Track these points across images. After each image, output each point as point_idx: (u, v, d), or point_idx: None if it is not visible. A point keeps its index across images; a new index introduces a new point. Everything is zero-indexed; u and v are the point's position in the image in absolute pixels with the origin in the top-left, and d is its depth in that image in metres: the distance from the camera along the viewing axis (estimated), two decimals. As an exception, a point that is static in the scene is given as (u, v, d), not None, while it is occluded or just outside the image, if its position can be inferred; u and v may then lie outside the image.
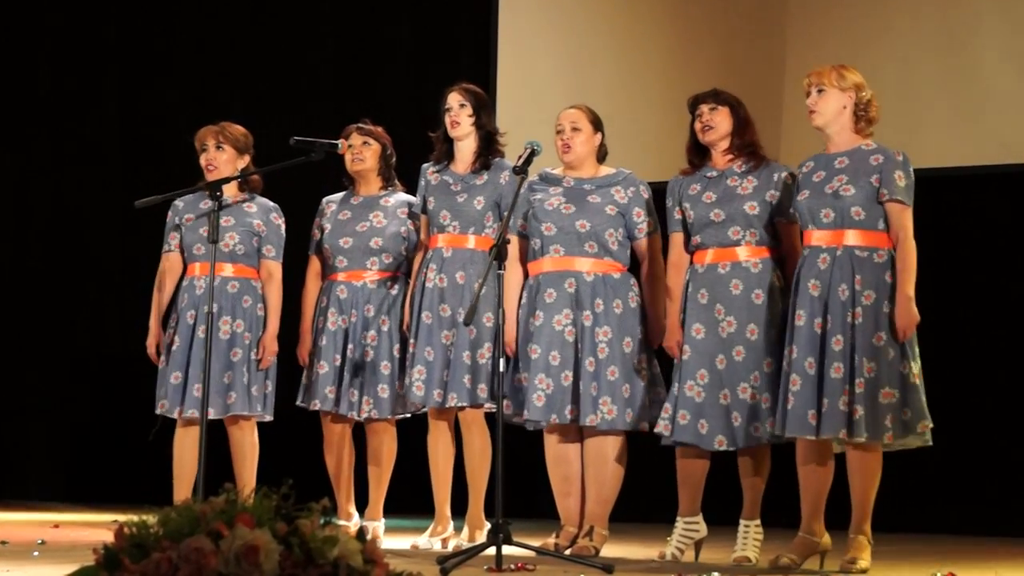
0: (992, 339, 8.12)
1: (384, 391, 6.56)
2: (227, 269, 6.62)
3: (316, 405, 6.65)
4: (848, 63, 5.87)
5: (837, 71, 5.67)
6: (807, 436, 5.55)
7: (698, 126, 6.02)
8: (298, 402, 6.73)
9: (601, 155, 6.34)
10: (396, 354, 6.58)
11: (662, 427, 5.92)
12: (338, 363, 6.61)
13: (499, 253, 5.48)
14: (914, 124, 8.04)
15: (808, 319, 5.57)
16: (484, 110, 6.54)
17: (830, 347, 5.51)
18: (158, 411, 6.63)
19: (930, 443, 5.62)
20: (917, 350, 5.55)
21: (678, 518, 6.03)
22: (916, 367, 5.52)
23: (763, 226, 5.90)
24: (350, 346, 6.60)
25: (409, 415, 6.70)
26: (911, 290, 5.47)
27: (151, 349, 6.67)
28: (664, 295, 6.11)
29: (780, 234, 5.92)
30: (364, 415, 6.58)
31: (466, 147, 6.53)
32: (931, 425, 5.52)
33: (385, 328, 6.59)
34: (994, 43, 7.97)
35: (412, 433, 6.74)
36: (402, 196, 6.75)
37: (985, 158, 8.05)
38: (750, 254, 5.89)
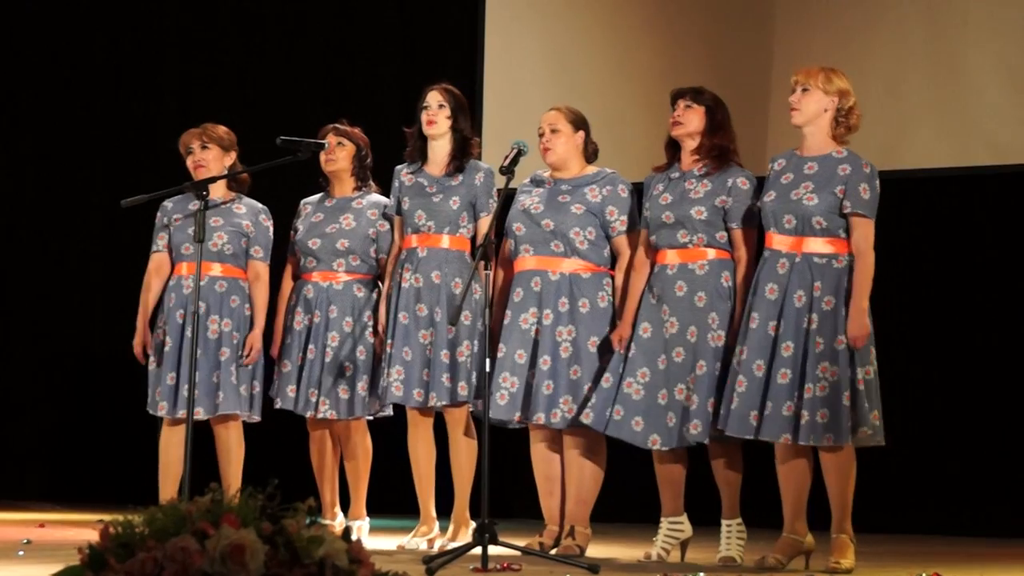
0: (977, 340, 8.13)
1: (345, 392, 6.56)
2: (215, 268, 6.63)
3: (279, 403, 6.67)
4: (835, 63, 5.88)
5: (825, 73, 5.67)
6: (746, 436, 5.62)
7: (670, 120, 6.03)
8: (270, 392, 6.74)
9: (590, 154, 6.33)
10: (360, 356, 6.58)
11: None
12: (300, 362, 6.63)
13: (484, 253, 5.48)
14: (901, 125, 8.05)
15: (761, 322, 5.60)
16: (462, 113, 6.53)
17: (779, 352, 5.54)
18: (159, 413, 6.61)
19: (882, 443, 5.61)
20: (872, 355, 5.55)
21: (662, 518, 6.04)
22: (867, 372, 5.51)
23: (713, 231, 5.89)
24: (311, 346, 6.61)
25: (371, 417, 6.70)
26: (865, 303, 5.49)
27: (138, 349, 6.67)
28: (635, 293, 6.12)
29: (732, 240, 5.92)
30: (320, 415, 6.58)
31: (440, 148, 6.53)
32: (869, 432, 5.49)
33: (348, 329, 6.59)
34: (981, 44, 7.98)
35: (397, 433, 6.73)
36: (375, 198, 6.75)
37: (972, 159, 8.06)
38: (696, 256, 5.90)
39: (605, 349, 6.13)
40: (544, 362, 6.11)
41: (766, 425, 5.53)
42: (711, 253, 5.90)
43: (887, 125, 7.91)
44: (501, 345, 6.18)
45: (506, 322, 6.20)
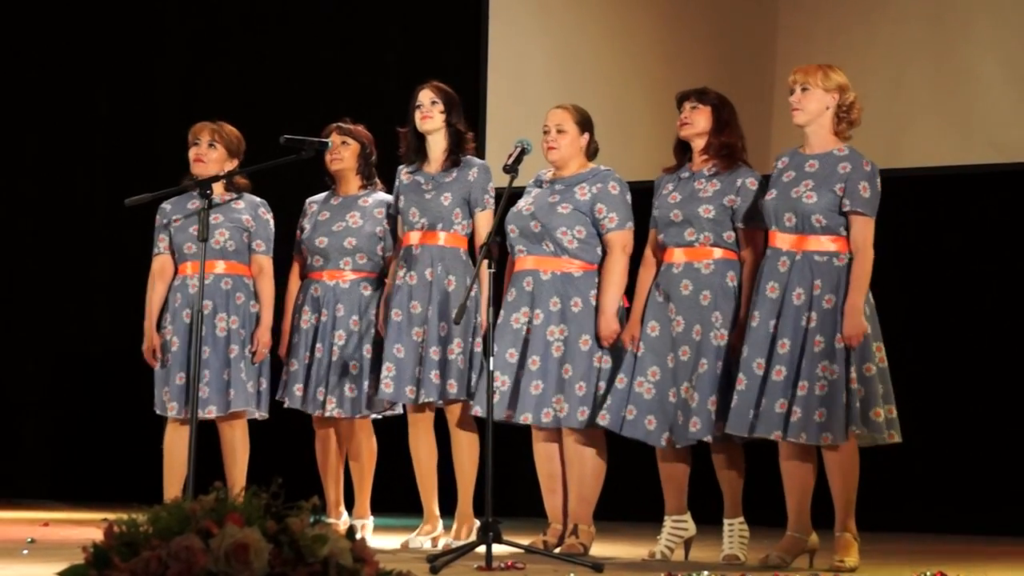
0: (980, 338, 8.13)
1: (352, 390, 6.56)
2: (219, 266, 6.62)
3: (287, 403, 6.68)
4: (838, 61, 5.88)
5: (823, 70, 5.68)
6: (743, 434, 5.63)
7: (677, 122, 6.05)
8: (277, 396, 6.74)
9: (591, 153, 6.33)
10: (366, 354, 6.58)
11: (598, 416, 5.97)
12: (308, 361, 6.63)
13: (488, 251, 5.48)
14: (904, 123, 8.05)
15: (762, 320, 5.61)
16: (455, 109, 6.55)
17: (776, 349, 5.55)
18: (169, 414, 6.56)
19: (897, 440, 5.60)
20: (873, 350, 5.53)
21: (666, 517, 6.04)
22: (868, 369, 5.49)
23: (720, 230, 5.90)
24: (318, 345, 6.62)
25: (379, 415, 6.71)
26: (860, 302, 5.48)
27: (148, 354, 6.64)
28: (612, 288, 6.12)
29: (740, 240, 5.93)
30: (327, 413, 6.58)
31: (436, 145, 6.53)
32: (858, 431, 5.47)
33: (355, 328, 6.59)
34: (984, 42, 7.98)
35: (400, 432, 6.73)
36: (381, 196, 6.76)
37: (974, 157, 8.06)
38: (703, 256, 5.91)
39: (597, 348, 6.13)
40: (533, 362, 6.11)
41: (760, 421, 5.55)
42: (717, 252, 5.90)
43: (889, 123, 7.91)
44: (494, 345, 6.18)
45: (499, 321, 6.20)
